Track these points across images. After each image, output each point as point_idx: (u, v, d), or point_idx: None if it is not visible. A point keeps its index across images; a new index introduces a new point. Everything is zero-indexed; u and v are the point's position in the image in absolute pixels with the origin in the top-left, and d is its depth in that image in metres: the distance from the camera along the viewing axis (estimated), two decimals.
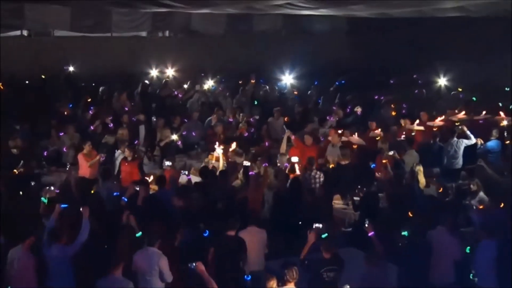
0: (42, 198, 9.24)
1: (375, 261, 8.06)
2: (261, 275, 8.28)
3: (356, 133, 13.98)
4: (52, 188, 9.40)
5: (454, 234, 8.67)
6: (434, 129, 14.53)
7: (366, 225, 8.80)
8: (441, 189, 11.17)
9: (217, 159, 12.41)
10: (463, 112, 15.46)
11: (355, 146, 13.57)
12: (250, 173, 11.27)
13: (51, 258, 8.23)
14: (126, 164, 12.05)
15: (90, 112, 15.39)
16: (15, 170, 11.65)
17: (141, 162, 12.56)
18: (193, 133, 14.96)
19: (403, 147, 12.97)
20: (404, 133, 14.17)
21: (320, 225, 8.84)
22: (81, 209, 8.90)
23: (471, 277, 8.29)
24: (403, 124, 14.67)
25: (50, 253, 8.25)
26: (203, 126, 15.42)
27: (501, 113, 14.97)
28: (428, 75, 20.69)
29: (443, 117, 15.32)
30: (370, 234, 8.58)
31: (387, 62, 21.99)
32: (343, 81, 20.62)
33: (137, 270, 7.97)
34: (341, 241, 9.68)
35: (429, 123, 14.85)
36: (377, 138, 13.72)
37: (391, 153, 12.22)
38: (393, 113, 16.22)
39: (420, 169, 11.67)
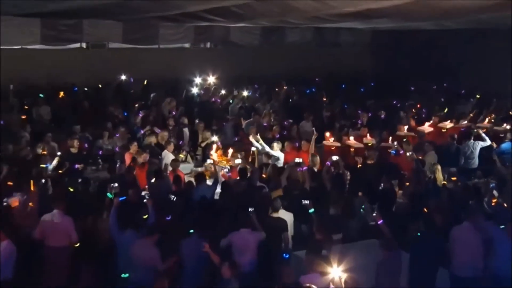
0: (108, 194, 9.36)
1: (388, 246, 8.03)
2: (254, 274, 8.30)
3: (352, 137, 13.83)
4: (116, 184, 9.51)
5: (478, 229, 8.49)
6: (443, 131, 14.43)
7: (374, 214, 8.81)
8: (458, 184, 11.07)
9: (216, 163, 12.34)
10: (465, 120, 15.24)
11: (352, 149, 13.41)
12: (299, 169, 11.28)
13: (123, 243, 8.35)
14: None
15: (140, 115, 15.54)
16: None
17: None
18: (230, 135, 14.98)
19: (423, 148, 12.88)
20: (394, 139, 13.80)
21: (307, 201, 9.15)
22: (145, 200, 9.15)
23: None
24: (399, 131, 14.47)
25: (122, 238, 8.35)
26: (238, 129, 15.44)
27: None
28: (445, 83, 20.50)
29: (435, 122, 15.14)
30: (379, 222, 8.53)
31: (406, 71, 21.75)
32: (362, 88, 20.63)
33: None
34: (365, 233, 9.58)
35: (440, 125, 14.74)
36: (369, 144, 13.51)
37: (409, 153, 12.09)
38: (415, 117, 16.02)
39: (438, 168, 11.56)
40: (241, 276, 8.01)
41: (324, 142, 13.37)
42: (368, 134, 14.07)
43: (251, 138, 13.04)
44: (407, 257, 8.52)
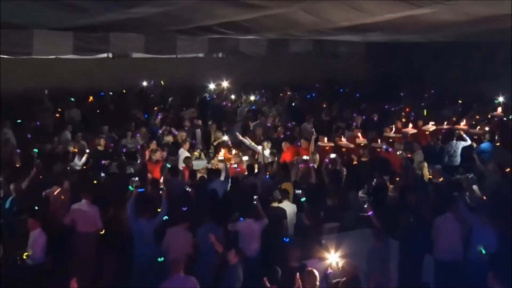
0: (129, 187, 9.39)
1: (379, 236, 8.05)
2: (256, 260, 8.29)
3: (344, 139, 13.73)
4: (137, 179, 9.54)
5: (459, 219, 8.53)
6: (427, 133, 14.32)
7: (366, 206, 8.82)
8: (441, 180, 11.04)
9: (221, 161, 12.26)
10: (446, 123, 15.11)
11: (344, 149, 13.32)
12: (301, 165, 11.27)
13: (137, 230, 8.36)
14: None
15: (159, 117, 15.56)
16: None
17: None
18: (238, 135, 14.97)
19: (411, 148, 12.85)
20: (382, 140, 13.67)
21: (300, 191, 9.25)
22: (160, 192, 9.17)
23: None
24: (385, 132, 14.35)
25: (136, 226, 8.36)
26: (246, 129, 15.42)
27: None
28: (432, 89, 20.43)
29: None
30: (369, 213, 8.52)
31: (397, 78, 21.69)
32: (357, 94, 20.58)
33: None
34: (359, 223, 9.57)
35: (423, 128, 14.62)
36: (361, 144, 13.43)
37: (399, 152, 12.06)
38: (404, 120, 15.96)
39: (424, 165, 11.54)
40: (247, 261, 8.04)
41: (319, 143, 13.31)
42: (360, 135, 13.99)
43: (243, 139, 12.98)
44: (396, 244, 8.54)
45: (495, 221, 8.30)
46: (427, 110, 17.29)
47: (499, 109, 15.60)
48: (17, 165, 10.80)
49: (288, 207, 9.37)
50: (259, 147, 12.68)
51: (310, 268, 6.63)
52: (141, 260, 8.32)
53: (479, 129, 14.47)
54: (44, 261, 7.88)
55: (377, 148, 13.16)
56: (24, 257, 7.61)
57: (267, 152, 12.49)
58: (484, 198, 10.06)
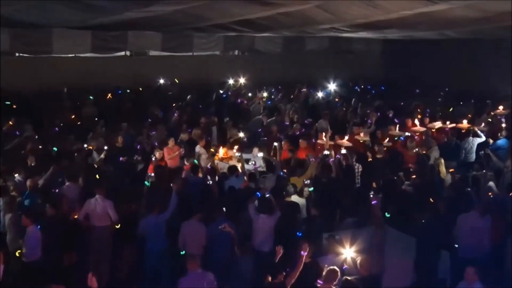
0: (146, 182, 9.43)
1: (378, 225, 8.11)
2: (269, 254, 8.26)
3: (345, 137, 13.41)
4: (153, 174, 9.59)
5: (484, 217, 8.45)
6: (433, 131, 14.15)
7: (371, 195, 8.81)
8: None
9: (221, 159, 12.29)
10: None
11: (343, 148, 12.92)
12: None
13: (148, 224, 8.44)
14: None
15: (175, 115, 15.61)
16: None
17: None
18: (255, 132, 14.96)
19: (428, 144, 12.78)
20: (388, 138, 13.49)
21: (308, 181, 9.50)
22: (171, 184, 9.22)
23: None
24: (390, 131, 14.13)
25: (147, 220, 8.43)
26: (262, 126, 15.42)
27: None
28: (446, 86, 20.29)
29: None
30: (373, 202, 8.50)
31: (413, 75, 21.52)
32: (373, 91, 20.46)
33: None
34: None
35: (429, 126, 14.42)
36: (361, 141, 13.30)
37: (416, 149, 12.00)
38: (419, 116, 15.83)
39: (441, 161, 11.45)
40: (260, 254, 8.06)
41: (319, 141, 13.23)
42: (361, 133, 13.77)
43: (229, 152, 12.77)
44: (412, 241, 8.50)
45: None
46: (444, 107, 17.16)
47: (501, 107, 15.38)
48: (32, 163, 10.80)
49: (299, 201, 9.45)
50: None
51: (332, 267, 6.56)
52: (154, 253, 8.40)
53: (483, 126, 14.31)
54: (40, 257, 7.82)
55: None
56: (17, 254, 7.58)
57: (260, 154, 12.38)
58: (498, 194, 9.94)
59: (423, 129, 14.15)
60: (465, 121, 14.53)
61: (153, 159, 11.87)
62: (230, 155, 12.54)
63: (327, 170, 10.76)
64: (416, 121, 14.53)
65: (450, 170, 11.32)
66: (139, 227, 8.60)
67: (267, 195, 8.99)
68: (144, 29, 16.21)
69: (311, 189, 9.40)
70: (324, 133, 13.24)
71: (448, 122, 14.69)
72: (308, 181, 9.70)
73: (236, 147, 12.68)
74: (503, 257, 8.30)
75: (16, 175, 10.00)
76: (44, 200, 8.96)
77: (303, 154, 12.17)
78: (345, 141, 12.96)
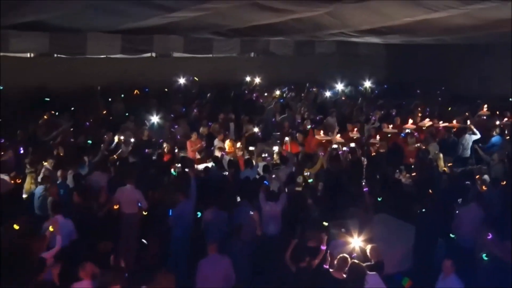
0: (172, 171, 9.44)
1: (367, 211, 8.16)
2: (277, 237, 8.29)
3: (338, 133, 13.36)
4: (179, 165, 9.61)
5: (481, 208, 8.41)
6: (423, 128, 13.96)
7: (364, 183, 8.78)
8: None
9: (228, 152, 12.15)
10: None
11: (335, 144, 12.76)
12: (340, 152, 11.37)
13: (177, 212, 8.51)
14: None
15: (195, 111, 15.63)
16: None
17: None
18: (268, 127, 14.94)
19: (428, 140, 12.68)
20: (379, 135, 13.29)
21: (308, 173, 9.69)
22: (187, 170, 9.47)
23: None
24: (384, 128, 14.00)
25: (176, 208, 8.52)
26: (276, 122, 15.40)
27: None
28: (445, 87, 20.08)
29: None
30: (364, 189, 8.56)
31: (414, 77, 21.33)
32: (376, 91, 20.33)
33: None
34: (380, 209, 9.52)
35: (420, 124, 14.25)
36: (354, 138, 13.16)
37: (417, 145, 11.91)
38: (419, 114, 15.71)
39: (440, 156, 11.37)
40: (267, 238, 8.06)
41: (316, 136, 13.16)
42: (355, 130, 13.69)
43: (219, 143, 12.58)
44: (412, 229, 8.46)
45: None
46: (444, 106, 17.01)
47: (485, 108, 15.28)
48: (61, 153, 10.81)
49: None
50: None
51: (343, 255, 6.51)
52: (179, 239, 8.40)
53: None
54: (68, 244, 7.61)
55: (374, 144, 12.67)
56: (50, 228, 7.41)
57: (275, 148, 12.29)
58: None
59: (413, 126, 14.00)
60: (454, 121, 14.38)
61: (176, 151, 11.97)
62: (235, 149, 12.46)
63: (336, 162, 10.73)
64: (410, 120, 14.40)
65: (448, 164, 11.23)
66: (168, 214, 8.59)
67: (269, 185, 9.05)
68: (168, 33, 16.24)
69: (311, 180, 9.41)
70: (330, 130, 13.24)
71: (441, 122, 14.56)
72: (309, 173, 9.71)
73: (239, 143, 12.58)
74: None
75: (45, 163, 9.97)
76: (73, 188, 8.98)
77: (314, 143, 12.11)
78: (337, 137, 12.90)
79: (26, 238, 7.02)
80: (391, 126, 14.07)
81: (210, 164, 10.97)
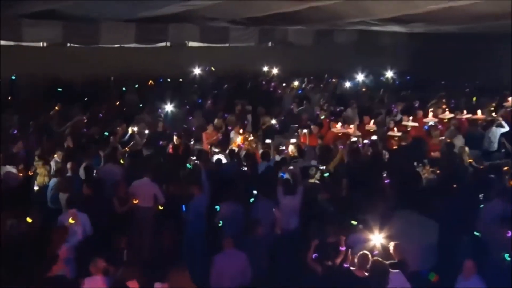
0: (187, 165, 9.46)
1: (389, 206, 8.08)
2: (296, 232, 8.24)
3: (353, 126, 13.12)
4: (194, 158, 9.61)
5: (504, 204, 8.22)
6: (445, 121, 13.72)
7: (384, 175, 8.65)
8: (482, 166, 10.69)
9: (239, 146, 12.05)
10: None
11: (351, 137, 12.59)
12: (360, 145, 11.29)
13: (192, 206, 8.53)
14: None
15: (209, 102, 15.64)
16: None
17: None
18: (286, 119, 14.88)
19: (453, 133, 12.52)
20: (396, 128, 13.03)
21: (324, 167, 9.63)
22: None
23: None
24: (404, 120, 13.75)
25: (191, 202, 8.54)
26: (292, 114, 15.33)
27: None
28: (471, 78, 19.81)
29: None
30: (386, 181, 8.45)
31: (438, 67, 21.06)
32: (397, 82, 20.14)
33: None
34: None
35: (440, 116, 14.02)
36: (370, 131, 13.02)
37: (442, 138, 11.77)
38: (444, 106, 15.50)
39: (466, 150, 11.21)
40: (287, 233, 8.01)
41: (332, 129, 13.03)
42: (371, 122, 13.52)
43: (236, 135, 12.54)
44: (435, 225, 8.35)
45: None
46: (470, 98, 16.78)
47: (510, 99, 15.01)
48: (70, 145, 10.76)
49: None
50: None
51: (364, 252, 6.41)
52: (194, 234, 8.39)
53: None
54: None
55: (393, 137, 12.57)
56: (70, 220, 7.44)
57: (292, 141, 12.14)
58: None
59: (434, 119, 13.82)
60: (479, 112, 14.17)
61: (191, 143, 11.97)
62: (249, 142, 12.42)
63: (356, 155, 10.65)
64: (430, 113, 14.22)
65: (474, 158, 11.05)
66: (184, 208, 8.60)
67: (286, 177, 8.99)
68: (183, 22, 16.26)
69: (327, 174, 9.33)
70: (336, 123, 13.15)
71: (464, 114, 14.37)
72: (325, 166, 9.65)
73: (251, 136, 12.53)
74: None
75: (55, 156, 9.95)
76: (84, 181, 8.99)
77: (330, 136, 12.03)
78: (354, 129, 12.80)
79: (47, 230, 7.13)
80: (411, 118, 13.92)
81: (220, 156, 10.94)
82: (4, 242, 6.80)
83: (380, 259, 6.28)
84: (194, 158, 9.69)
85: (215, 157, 10.75)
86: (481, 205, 8.68)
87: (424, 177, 10.27)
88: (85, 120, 13.02)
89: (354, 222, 7.57)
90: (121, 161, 10.28)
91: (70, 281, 6.17)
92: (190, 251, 8.35)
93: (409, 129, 13.15)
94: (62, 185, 8.69)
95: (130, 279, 5.83)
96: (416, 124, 13.55)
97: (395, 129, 12.88)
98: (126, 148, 11.10)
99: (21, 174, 9.30)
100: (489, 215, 8.14)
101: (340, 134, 12.66)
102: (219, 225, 8.22)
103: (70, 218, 7.18)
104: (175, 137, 11.67)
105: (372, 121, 13.55)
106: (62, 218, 7.58)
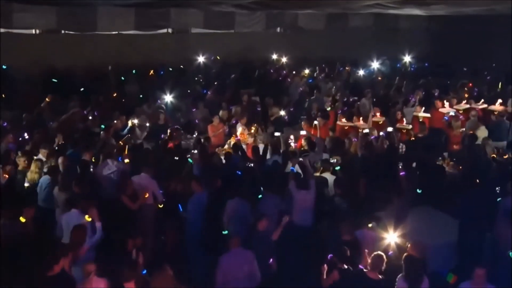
0: (189, 159, 9.43)
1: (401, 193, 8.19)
2: (309, 229, 8.20)
3: (361, 119, 13.20)
4: (196, 151, 9.57)
5: None
6: (460, 112, 13.70)
7: (400, 166, 8.62)
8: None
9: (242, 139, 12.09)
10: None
11: (360, 130, 12.52)
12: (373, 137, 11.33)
13: (192, 203, 8.48)
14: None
15: (209, 93, 15.59)
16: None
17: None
18: (295, 110, 14.81)
19: (476, 124, 12.43)
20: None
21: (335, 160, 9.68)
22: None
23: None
24: (416, 111, 13.74)
25: (192, 199, 8.50)
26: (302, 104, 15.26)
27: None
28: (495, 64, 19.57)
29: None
30: (401, 174, 8.57)
31: (460, 53, 20.84)
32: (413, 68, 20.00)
33: None
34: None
35: (456, 107, 14.03)
36: (379, 123, 13.00)
37: (462, 129, 11.69)
38: (466, 95, 15.35)
39: (489, 142, 11.13)
40: (302, 230, 7.99)
41: (338, 122, 12.98)
42: (378, 114, 13.50)
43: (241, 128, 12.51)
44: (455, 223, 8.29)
45: None
46: (492, 87, 16.61)
47: None
48: (60, 142, 10.64)
49: (330, 177, 9.39)
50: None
51: (378, 253, 6.35)
52: (197, 232, 8.35)
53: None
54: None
55: (402, 129, 12.72)
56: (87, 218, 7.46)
57: (303, 133, 12.21)
58: None
59: (449, 109, 13.69)
60: (498, 102, 14.03)
61: (195, 135, 11.92)
62: (247, 135, 12.37)
63: (370, 148, 10.60)
64: (446, 103, 14.12)
65: (495, 153, 10.96)
66: (185, 205, 8.58)
67: (296, 170, 9.01)
68: (186, 7, 16.19)
69: (338, 168, 9.31)
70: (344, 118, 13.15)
71: (480, 103, 14.25)
72: (335, 160, 9.65)
73: (253, 128, 12.49)
74: None
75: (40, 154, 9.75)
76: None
77: (338, 129, 12.02)
78: (360, 122, 12.87)
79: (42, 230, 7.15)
80: (423, 109, 13.81)
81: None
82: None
83: (412, 255, 6.25)
84: (195, 151, 9.63)
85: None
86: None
87: None
88: (85, 113, 12.96)
89: (370, 225, 7.52)
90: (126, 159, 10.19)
91: (70, 281, 6.18)
92: (194, 250, 8.34)
93: (420, 120, 13.07)
94: (61, 184, 8.54)
95: (128, 281, 5.84)
96: (427, 115, 13.45)
97: (404, 120, 12.83)
98: (120, 142, 10.96)
99: (5, 173, 9.16)
100: (505, 211, 8.05)
101: (346, 127, 12.63)
102: (225, 223, 8.20)
103: (86, 215, 7.19)
104: (169, 131, 11.55)
105: (378, 113, 13.50)
106: (67, 217, 7.53)
